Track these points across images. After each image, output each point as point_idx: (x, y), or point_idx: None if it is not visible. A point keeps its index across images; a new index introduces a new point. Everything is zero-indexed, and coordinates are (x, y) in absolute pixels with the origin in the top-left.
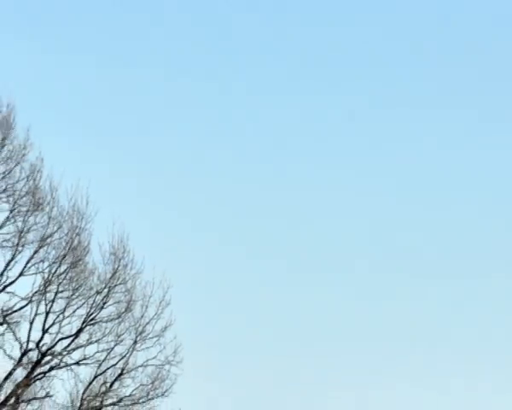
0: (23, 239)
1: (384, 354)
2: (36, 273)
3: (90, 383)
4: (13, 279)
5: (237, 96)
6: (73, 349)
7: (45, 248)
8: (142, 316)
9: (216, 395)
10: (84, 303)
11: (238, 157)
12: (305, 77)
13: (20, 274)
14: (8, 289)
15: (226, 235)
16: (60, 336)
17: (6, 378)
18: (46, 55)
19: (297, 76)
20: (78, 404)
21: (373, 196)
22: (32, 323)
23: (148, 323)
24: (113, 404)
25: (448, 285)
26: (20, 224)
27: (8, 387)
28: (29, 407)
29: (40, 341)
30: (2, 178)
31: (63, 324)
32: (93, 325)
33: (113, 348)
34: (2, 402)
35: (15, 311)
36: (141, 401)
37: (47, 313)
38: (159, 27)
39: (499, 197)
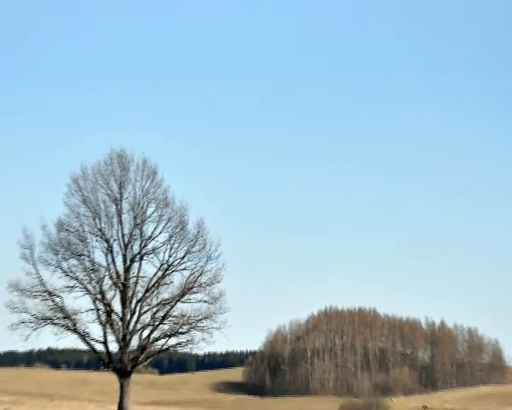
0: (161, 218)
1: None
2: (166, 233)
3: (188, 277)
4: (156, 235)
5: None
6: (181, 264)
7: (170, 222)
8: (209, 250)
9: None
10: (186, 245)
11: None
12: None
13: (160, 233)
14: (155, 238)
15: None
16: (176, 258)
17: (153, 276)
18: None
19: None
20: (183, 286)
21: None
22: (164, 253)
23: (212, 252)
24: (199, 286)
25: None
26: (159, 212)
27: (153, 280)
28: (164, 287)
29: (168, 261)
30: (153, 193)
31: (177, 253)
32: (189, 254)
33: (197, 263)
34: (152, 285)
35: (158, 248)
36: (209, 285)
37: (170, 249)
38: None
39: None
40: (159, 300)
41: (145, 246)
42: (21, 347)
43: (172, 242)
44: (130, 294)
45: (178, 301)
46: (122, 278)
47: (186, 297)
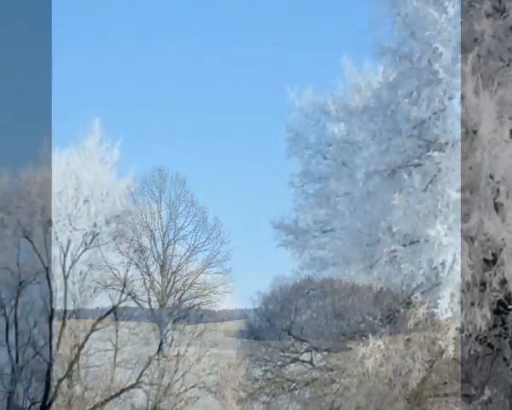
0: (188, 214)
1: None
2: (192, 224)
3: (208, 256)
4: (185, 226)
5: None
6: (203, 246)
7: (195, 217)
8: (223, 236)
9: None
10: (206, 233)
11: None
12: None
13: (188, 224)
14: (184, 229)
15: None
16: (199, 243)
17: (183, 255)
18: None
19: None
20: (204, 262)
21: None
22: (191, 239)
23: (225, 238)
24: (215, 262)
25: None
26: (187, 210)
27: (183, 258)
28: (191, 263)
29: (193, 244)
30: (183, 196)
31: (200, 239)
32: (208, 239)
33: (214, 246)
34: (183, 261)
35: (186, 235)
36: (222, 261)
37: (195, 236)
38: None
39: None
40: (187, 272)
41: (177, 234)
42: (89, 305)
43: (196, 231)
44: (167, 268)
45: (201, 272)
46: (161, 256)
47: (206, 270)
